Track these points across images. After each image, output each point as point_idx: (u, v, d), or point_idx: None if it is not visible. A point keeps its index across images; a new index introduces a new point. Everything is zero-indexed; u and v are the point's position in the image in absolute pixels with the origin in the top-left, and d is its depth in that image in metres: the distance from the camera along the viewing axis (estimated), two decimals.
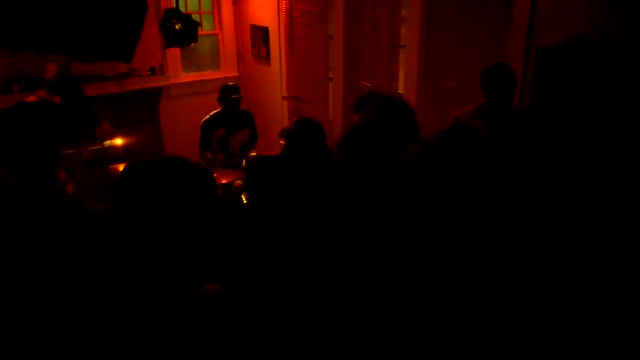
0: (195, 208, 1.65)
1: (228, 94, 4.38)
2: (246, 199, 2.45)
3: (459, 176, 1.99)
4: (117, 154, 3.74)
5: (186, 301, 1.63)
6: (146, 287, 1.60)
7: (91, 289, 1.60)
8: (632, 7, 2.62)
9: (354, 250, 1.90)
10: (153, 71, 5.76)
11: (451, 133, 2.06)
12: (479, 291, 1.88)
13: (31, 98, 3.40)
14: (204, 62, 6.46)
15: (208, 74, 6.37)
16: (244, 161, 3.56)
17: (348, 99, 4.81)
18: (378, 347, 1.81)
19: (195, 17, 4.26)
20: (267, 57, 5.85)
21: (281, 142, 2.87)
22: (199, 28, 4.16)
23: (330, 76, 5.07)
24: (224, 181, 3.85)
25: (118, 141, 3.78)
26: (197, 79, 6.26)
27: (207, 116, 4.49)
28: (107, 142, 3.75)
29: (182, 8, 4.32)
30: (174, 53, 5.90)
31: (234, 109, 4.47)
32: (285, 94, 5.79)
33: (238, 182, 3.64)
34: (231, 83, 4.61)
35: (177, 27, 4.00)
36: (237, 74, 6.44)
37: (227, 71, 6.42)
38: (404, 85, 4.16)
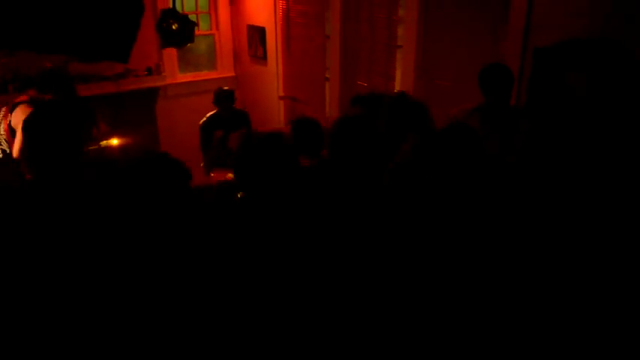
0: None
1: (222, 98, 4.45)
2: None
3: (457, 175, 1.99)
4: (113, 155, 3.72)
5: (180, 298, 1.64)
6: (144, 284, 1.60)
7: (95, 287, 1.60)
8: (628, 7, 2.63)
9: (353, 248, 1.90)
10: (149, 71, 5.75)
11: (448, 131, 2.07)
12: (476, 290, 1.88)
13: (22, 97, 3.39)
14: (201, 62, 6.45)
15: (205, 74, 6.36)
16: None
17: (344, 99, 4.82)
18: (376, 345, 1.81)
19: (192, 17, 4.27)
20: (264, 57, 5.85)
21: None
22: (196, 28, 4.16)
23: (327, 76, 5.07)
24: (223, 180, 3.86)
25: (115, 141, 3.77)
26: (194, 79, 6.25)
27: (204, 118, 4.54)
28: (104, 143, 3.74)
29: (179, 8, 4.32)
30: (171, 53, 5.89)
31: (229, 111, 4.52)
32: (281, 94, 5.79)
33: (230, 176, 3.65)
34: (226, 88, 4.65)
35: (173, 27, 4.00)
36: (233, 74, 6.43)
37: (224, 71, 6.42)
38: (401, 85, 4.17)
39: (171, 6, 4.14)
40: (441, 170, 2.10)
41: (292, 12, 5.30)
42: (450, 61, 3.73)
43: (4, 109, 3.43)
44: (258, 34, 5.84)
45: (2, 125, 3.38)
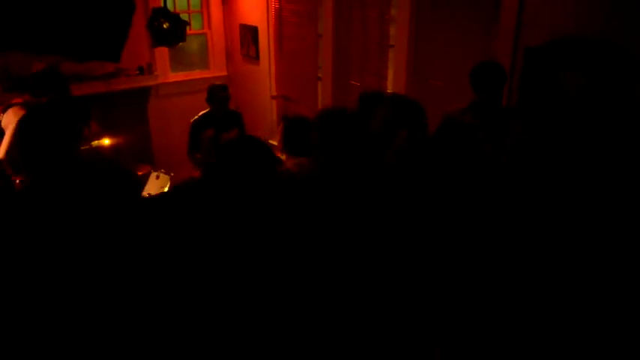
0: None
1: (217, 92, 4.37)
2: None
3: (453, 172, 2.00)
4: (105, 155, 3.70)
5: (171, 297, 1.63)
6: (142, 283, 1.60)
7: (88, 287, 1.60)
8: (618, 6, 2.65)
9: (351, 246, 1.90)
10: (141, 71, 5.71)
11: (443, 128, 2.07)
12: (472, 289, 1.89)
13: (17, 100, 3.36)
14: (193, 62, 6.43)
15: (197, 74, 6.33)
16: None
17: (337, 98, 4.82)
18: (374, 344, 1.81)
19: (184, 16, 4.25)
20: (257, 56, 5.84)
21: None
22: (188, 27, 4.15)
23: (320, 75, 5.07)
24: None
25: (106, 141, 3.74)
26: (186, 78, 6.23)
27: (196, 117, 4.47)
28: (95, 143, 3.71)
29: (170, 7, 4.31)
30: (163, 52, 5.86)
31: (223, 107, 4.45)
32: (274, 93, 5.78)
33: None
34: (219, 82, 4.61)
35: (165, 26, 3.98)
36: (226, 73, 6.41)
37: (216, 71, 6.40)
38: (393, 84, 4.17)
39: (162, 5, 4.13)
40: (436, 168, 2.11)
41: (285, 11, 5.30)
42: (442, 60, 3.74)
43: None
44: (250, 33, 5.82)
45: None
